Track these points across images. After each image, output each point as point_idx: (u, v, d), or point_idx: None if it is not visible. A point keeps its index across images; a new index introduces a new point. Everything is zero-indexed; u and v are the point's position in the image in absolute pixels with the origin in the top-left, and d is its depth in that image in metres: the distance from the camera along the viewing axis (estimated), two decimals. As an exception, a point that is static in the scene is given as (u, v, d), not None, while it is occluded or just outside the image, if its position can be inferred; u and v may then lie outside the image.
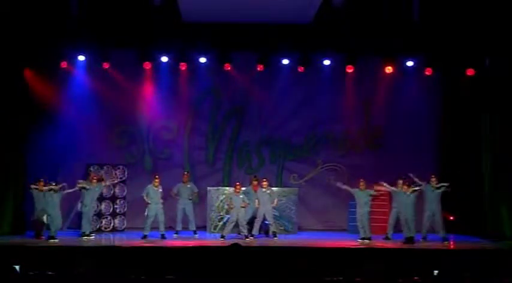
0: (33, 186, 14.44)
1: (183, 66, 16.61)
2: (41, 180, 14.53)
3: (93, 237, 14.76)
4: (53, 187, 14.28)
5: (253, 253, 12.72)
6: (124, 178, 16.51)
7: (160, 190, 15.10)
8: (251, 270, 8.31)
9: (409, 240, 14.20)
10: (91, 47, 15.84)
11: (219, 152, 17.81)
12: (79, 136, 16.98)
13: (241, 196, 15.00)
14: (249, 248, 13.20)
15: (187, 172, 16.14)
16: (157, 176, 15.36)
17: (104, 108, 17.24)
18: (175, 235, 15.18)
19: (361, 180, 15.01)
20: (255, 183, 15.36)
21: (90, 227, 14.90)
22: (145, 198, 14.95)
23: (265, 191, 15.27)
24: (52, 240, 13.87)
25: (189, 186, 15.63)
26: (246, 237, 14.68)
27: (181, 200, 15.45)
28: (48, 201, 14.31)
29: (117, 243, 13.98)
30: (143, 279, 9.57)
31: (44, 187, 14.36)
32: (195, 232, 15.31)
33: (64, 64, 16.39)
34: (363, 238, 14.54)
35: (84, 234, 14.62)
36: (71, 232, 15.30)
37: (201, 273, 9.87)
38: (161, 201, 15.06)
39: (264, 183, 15.37)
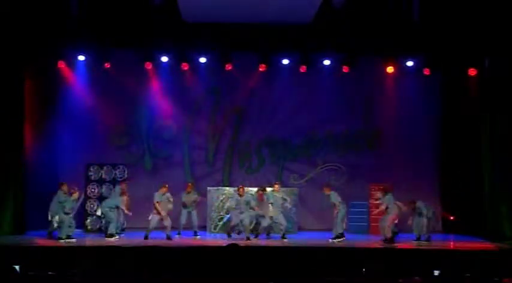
0: (75, 197, 14.48)
1: (185, 66, 16.60)
2: (76, 189, 14.60)
3: (117, 237, 14.64)
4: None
5: (253, 253, 12.72)
6: (124, 178, 16.50)
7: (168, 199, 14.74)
8: (251, 270, 8.30)
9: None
10: (91, 47, 15.85)
11: (219, 152, 17.83)
12: (79, 136, 16.99)
13: (246, 199, 14.91)
14: (249, 248, 13.20)
15: (192, 183, 15.96)
16: (166, 185, 14.86)
17: (104, 108, 17.25)
18: (177, 235, 15.08)
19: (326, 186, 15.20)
20: (260, 192, 15.22)
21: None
22: (156, 205, 14.56)
23: (277, 195, 15.26)
24: (70, 240, 13.92)
25: (192, 198, 15.51)
26: (248, 238, 14.59)
27: (185, 208, 15.39)
28: (73, 205, 14.38)
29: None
30: (143, 279, 9.57)
31: (75, 195, 14.47)
32: (195, 234, 15.28)
33: (64, 64, 16.42)
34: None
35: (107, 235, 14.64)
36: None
37: (201, 273, 9.87)
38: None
39: (276, 186, 15.45)
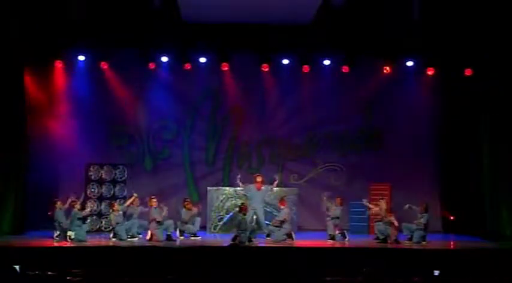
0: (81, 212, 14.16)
1: (185, 66, 16.59)
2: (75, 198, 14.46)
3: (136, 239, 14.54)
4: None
5: (253, 253, 12.74)
6: (124, 178, 16.49)
7: (160, 210, 14.43)
8: (251, 270, 8.31)
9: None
10: (91, 47, 15.86)
11: (219, 152, 17.83)
12: (79, 136, 16.99)
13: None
14: (249, 248, 13.21)
15: (189, 200, 15.58)
16: (153, 197, 14.57)
17: (104, 108, 17.26)
18: (181, 237, 14.98)
19: (337, 197, 15.07)
20: (259, 179, 15.16)
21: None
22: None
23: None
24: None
25: (192, 213, 15.37)
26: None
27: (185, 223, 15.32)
28: (79, 215, 14.05)
29: None
30: (143, 279, 9.57)
31: (77, 206, 14.18)
32: (194, 235, 15.24)
33: (64, 64, 16.42)
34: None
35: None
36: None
37: (201, 273, 9.88)
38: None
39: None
